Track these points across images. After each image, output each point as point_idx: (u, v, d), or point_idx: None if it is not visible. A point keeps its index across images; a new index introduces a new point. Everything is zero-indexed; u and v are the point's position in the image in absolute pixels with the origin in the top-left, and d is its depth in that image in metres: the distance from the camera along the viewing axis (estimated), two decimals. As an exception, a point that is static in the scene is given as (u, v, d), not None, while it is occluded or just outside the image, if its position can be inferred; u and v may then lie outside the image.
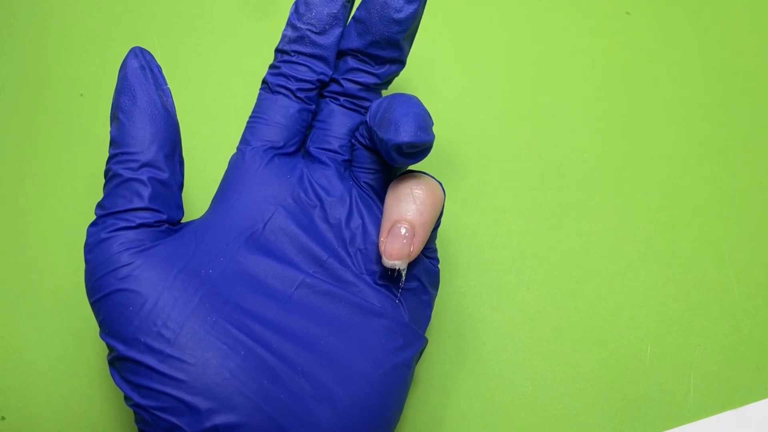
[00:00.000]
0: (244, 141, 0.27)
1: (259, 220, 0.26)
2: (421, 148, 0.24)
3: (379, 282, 0.26)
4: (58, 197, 0.34)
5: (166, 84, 0.26)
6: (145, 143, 0.25)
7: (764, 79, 0.38)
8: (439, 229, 0.33)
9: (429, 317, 0.28)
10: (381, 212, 0.27)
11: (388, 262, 0.24)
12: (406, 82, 0.37)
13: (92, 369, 0.31)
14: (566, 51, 0.38)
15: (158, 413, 0.22)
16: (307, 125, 0.28)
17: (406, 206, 0.24)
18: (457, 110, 0.36)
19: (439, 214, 0.26)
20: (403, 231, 0.24)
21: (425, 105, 0.34)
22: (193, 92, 0.36)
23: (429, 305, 0.27)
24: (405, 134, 0.23)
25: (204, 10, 0.38)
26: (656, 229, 0.35)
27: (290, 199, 0.26)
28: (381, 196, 0.27)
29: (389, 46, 0.27)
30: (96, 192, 0.34)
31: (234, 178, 0.27)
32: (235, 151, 0.28)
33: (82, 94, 0.36)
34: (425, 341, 0.26)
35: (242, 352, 0.23)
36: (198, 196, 0.34)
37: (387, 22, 0.26)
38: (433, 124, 0.25)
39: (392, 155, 0.24)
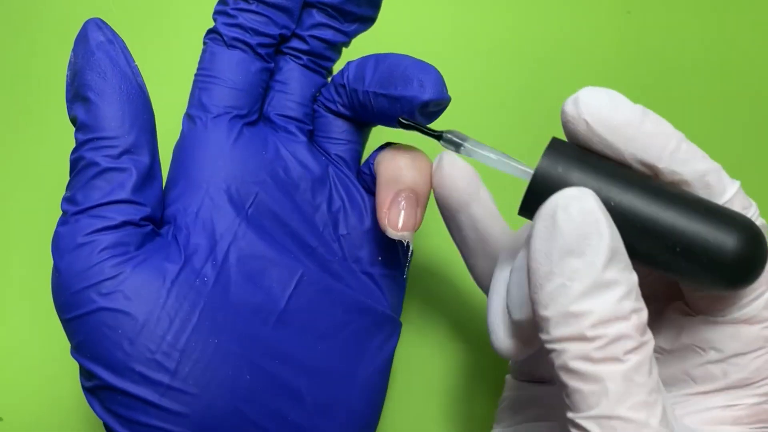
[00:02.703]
0: (200, 106, 0.23)
1: (241, 207, 0.22)
2: (443, 106, 0.23)
3: (364, 271, 0.25)
4: (58, 197, 0.34)
5: (134, 61, 0.22)
6: (124, 126, 0.21)
7: (764, 79, 0.38)
8: (437, 227, 0.33)
9: (402, 299, 0.26)
10: (358, 192, 0.25)
11: (396, 234, 0.22)
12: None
13: (91, 369, 0.31)
14: (566, 50, 0.38)
15: None
16: (266, 87, 0.24)
17: (410, 174, 0.23)
18: (457, 111, 0.36)
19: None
20: (409, 200, 0.22)
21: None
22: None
23: (404, 288, 0.26)
24: (432, 91, 0.22)
25: (204, 9, 0.38)
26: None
27: (269, 179, 0.23)
28: (353, 171, 0.25)
29: (366, 2, 0.24)
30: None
31: (199, 156, 0.23)
32: (185, 114, 0.24)
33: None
34: (400, 326, 0.26)
35: (248, 376, 0.20)
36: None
37: None
38: None
39: (414, 114, 0.22)
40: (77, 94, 0.21)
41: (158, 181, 0.22)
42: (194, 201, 0.22)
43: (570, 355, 0.16)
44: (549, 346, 0.16)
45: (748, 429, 0.19)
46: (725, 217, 0.18)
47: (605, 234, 0.16)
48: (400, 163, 0.23)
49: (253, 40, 0.23)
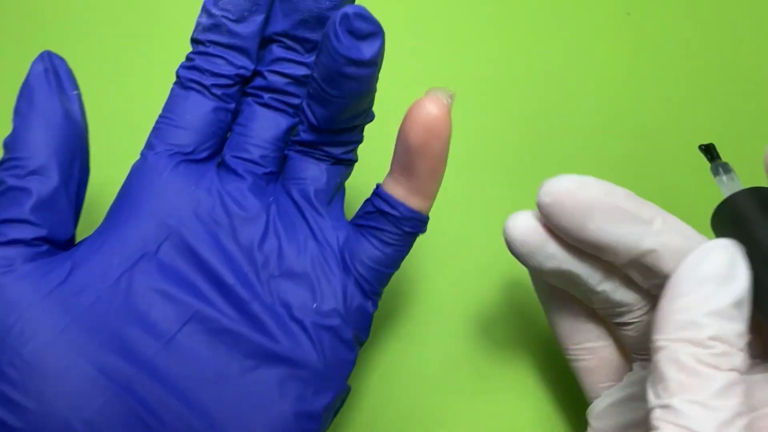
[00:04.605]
0: (149, 145, 0.23)
1: (152, 241, 0.22)
2: (371, 30, 0.20)
3: (294, 317, 0.22)
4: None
5: (75, 89, 0.23)
6: (36, 148, 0.22)
7: (764, 79, 0.38)
8: (436, 227, 0.32)
9: (353, 362, 0.23)
10: (306, 231, 0.23)
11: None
12: (401, 83, 0.36)
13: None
14: (566, 51, 0.38)
15: None
16: (226, 127, 0.24)
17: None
18: (456, 112, 0.36)
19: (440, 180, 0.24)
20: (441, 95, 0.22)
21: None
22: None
23: (352, 348, 0.23)
24: (349, 7, 0.20)
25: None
26: (657, 230, 0.35)
27: (191, 214, 0.22)
28: (316, 211, 0.24)
29: (320, 25, 0.23)
30: (93, 192, 0.34)
31: (131, 190, 0.23)
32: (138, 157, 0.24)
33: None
34: (346, 389, 0.23)
35: (102, 399, 0.20)
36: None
37: None
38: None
39: (340, 36, 0.20)
40: (12, 118, 0.23)
41: (67, 204, 0.22)
42: (109, 229, 0.22)
43: (683, 352, 0.19)
44: (665, 342, 0.19)
45: None
46: None
47: (743, 278, 0.19)
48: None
49: (208, 81, 0.23)
